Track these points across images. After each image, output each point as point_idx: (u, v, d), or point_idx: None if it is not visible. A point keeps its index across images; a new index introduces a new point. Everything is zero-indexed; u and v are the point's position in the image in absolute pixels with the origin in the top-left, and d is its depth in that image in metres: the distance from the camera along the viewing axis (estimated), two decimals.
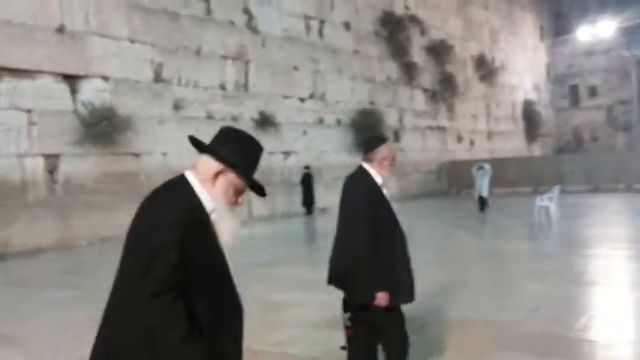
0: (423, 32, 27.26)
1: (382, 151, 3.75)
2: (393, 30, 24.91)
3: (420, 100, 27.12)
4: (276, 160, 19.14)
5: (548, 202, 15.11)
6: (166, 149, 15.82)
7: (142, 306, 1.93)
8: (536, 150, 38.91)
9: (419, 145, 26.71)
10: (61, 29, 13.68)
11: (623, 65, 39.98)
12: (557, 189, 16.19)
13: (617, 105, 41.21)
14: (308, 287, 7.35)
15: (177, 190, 2.09)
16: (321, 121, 21.07)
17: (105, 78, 14.59)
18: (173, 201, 2.04)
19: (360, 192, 3.67)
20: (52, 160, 13.49)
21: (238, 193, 2.18)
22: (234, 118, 17.81)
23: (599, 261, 9.10)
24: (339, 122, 21.77)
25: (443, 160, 28.06)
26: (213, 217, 2.09)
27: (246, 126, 18.11)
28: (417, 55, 26.76)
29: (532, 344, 4.98)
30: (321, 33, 21.56)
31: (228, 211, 2.14)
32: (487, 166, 18.15)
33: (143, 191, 10.37)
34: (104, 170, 14.42)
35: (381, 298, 3.49)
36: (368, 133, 22.58)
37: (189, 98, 16.55)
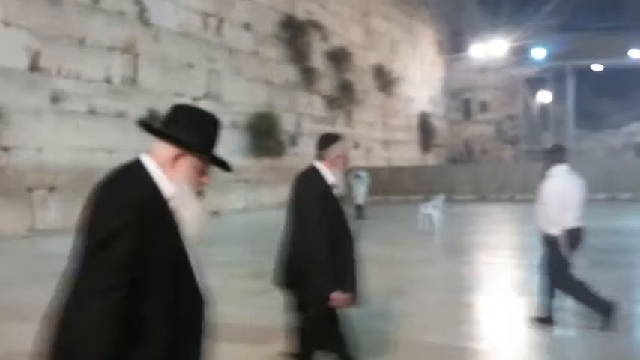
0: (324, 38, 27.23)
1: (336, 149, 3.66)
2: (294, 34, 24.70)
3: (318, 106, 27.06)
4: None
5: (432, 209, 15.33)
6: (42, 144, 14.62)
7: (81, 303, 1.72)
8: (431, 160, 40.06)
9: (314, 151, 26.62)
10: None
11: (512, 83, 42.10)
12: (441, 197, 16.48)
13: (505, 120, 43.35)
14: None
15: (132, 175, 1.91)
16: None
17: None
18: (127, 186, 1.87)
19: (312, 193, 3.57)
20: None
21: (202, 173, 2.03)
22: (120, 114, 16.83)
23: (476, 268, 9.18)
24: (234, 124, 21.19)
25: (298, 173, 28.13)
26: (173, 204, 1.90)
27: (132, 123, 17.20)
28: (317, 60, 26.69)
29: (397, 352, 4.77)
30: (219, 31, 20.95)
31: (191, 196, 1.98)
32: (364, 175, 18.00)
33: (10, 188, 9.41)
34: None
35: (338, 299, 3.45)
36: (264, 136, 22.27)
37: (70, 90, 15.40)
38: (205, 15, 20.26)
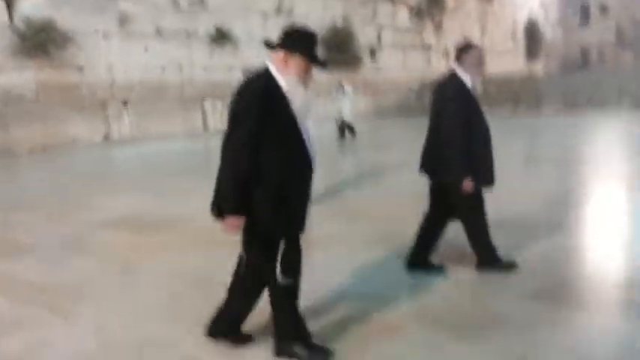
0: None
1: (472, 55, 4.15)
2: None
3: (402, 17, 26.44)
4: (235, 74, 19.08)
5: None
6: (112, 63, 16.03)
7: (229, 147, 2.81)
8: (539, 69, 37.84)
9: (399, 63, 26.30)
10: None
11: None
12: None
13: (628, 23, 39.49)
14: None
15: (260, 74, 2.88)
16: None
17: None
18: (258, 83, 2.85)
19: (450, 92, 4.11)
20: None
21: (306, 69, 2.87)
22: (188, 34, 17.82)
23: None
24: None
25: (426, 79, 27.64)
26: (286, 90, 2.85)
27: (200, 41, 18.18)
28: None
29: None
30: None
31: (299, 84, 2.87)
32: (348, 88, 15.88)
33: (86, 103, 10.98)
34: (44, 82, 14.75)
35: (467, 184, 4.04)
36: (338, 50, 22.38)
37: (137, 13, 16.54)
38: None
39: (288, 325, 3.09)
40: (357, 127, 15.84)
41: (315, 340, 3.13)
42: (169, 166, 11.74)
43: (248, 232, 2.94)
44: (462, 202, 4.16)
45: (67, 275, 4.69)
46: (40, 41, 14.33)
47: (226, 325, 3.24)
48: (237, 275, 3.18)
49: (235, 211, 2.81)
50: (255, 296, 3.17)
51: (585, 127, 16.86)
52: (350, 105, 15.42)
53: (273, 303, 3.06)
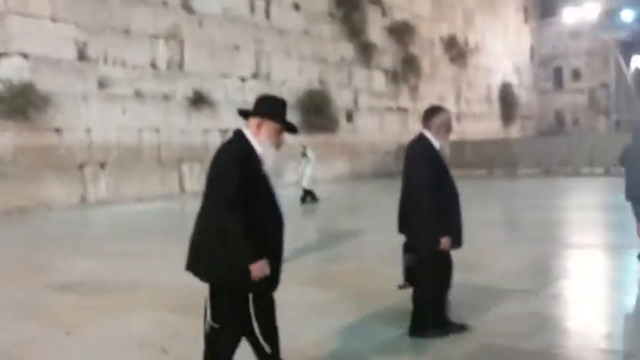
0: (384, 13, 27.27)
1: (440, 118, 4.34)
2: (349, 11, 24.98)
3: (379, 81, 27.27)
4: (213, 137, 19.46)
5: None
6: (90, 125, 16.35)
7: (216, 208, 3.02)
8: (515, 132, 38.81)
9: (375, 126, 26.94)
10: None
11: (605, 48, 39.56)
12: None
13: (599, 88, 40.87)
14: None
15: (237, 140, 3.17)
16: None
17: (24, 56, 15.10)
18: (235, 146, 3.13)
19: (421, 154, 4.29)
20: None
21: (277, 134, 3.19)
22: (166, 97, 18.27)
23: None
24: None
25: (403, 142, 28.22)
26: (260, 154, 3.12)
27: (178, 105, 18.63)
28: (377, 35, 26.83)
29: None
30: (267, 13, 21.79)
31: (271, 148, 3.16)
32: (310, 153, 15.45)
33: (63, 165, 11.28)
34: (22, 144, 14.99)
35: (445, 243, 4.20)
36: (316, 114, 22.94)
37: (117, 77, 17.01)
38: None
39: None
40: (332, 189, 16.11)
41: None
42: (140, 229, 11.84)
43: (217, 294, 3.14)
44: (426, 265, 4.29)
45: (8, 337, 4.78)
46: (20, 104, 14.66)
47: None
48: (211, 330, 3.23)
49: (257, 258, 2.99)
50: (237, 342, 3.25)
51: (557, 192, 17.19)
52: (311, 171, 15.23)
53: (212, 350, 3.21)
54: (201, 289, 5.76)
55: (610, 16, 36.63)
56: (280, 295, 3.39)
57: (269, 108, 3.20)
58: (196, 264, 3.15)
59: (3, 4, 14.68)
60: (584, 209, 12.57)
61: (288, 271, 3.28)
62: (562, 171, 24.12)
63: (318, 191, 15.65)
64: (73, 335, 4.81)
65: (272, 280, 3.15)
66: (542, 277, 6.23)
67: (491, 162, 26.32)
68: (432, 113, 4.36)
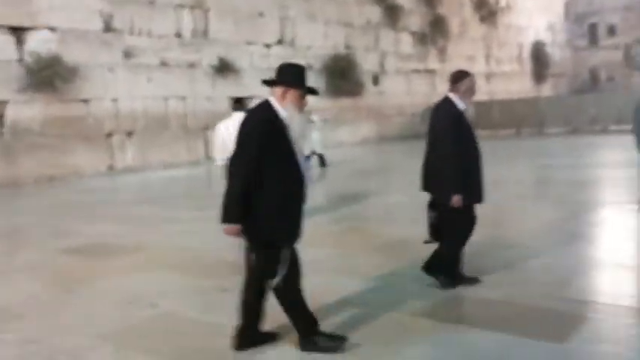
0: None
1: (465, 83, 4.48)
2: None
3: (406, 44, 26.21)
4: None
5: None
6: (117, 95, 16.18)
7: (236, 169, 3.31)
8: (547, 91, 37.10)
9: (403, 89, 26.02)
10: None
11: None
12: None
13: (636, 44, 38.51)
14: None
15: (262, 106, 3.38)
16: None
17: (52, 29, 14.91)
18: (258, 112, 3.37)
19: (447, 119, 4.41)
20: None
21: (300, 99, 3.38)
22: (191, 65, 17.91)
23: None
24: (310, 67, 21.36)
25: (431, 103, 27.28)
26: (286, 119, 3.31)
27: (203, 73, 18.26)
28: None
29: None
30: None
31: (296, 112, 3.35)
32: (315, 118, 14.51)
33: (91, 134, 11.28)
34: (51, 115, 14.93)
35: (457, 200, 4.31)
36: (341, 77, 22.25)
37: (142, 46, 16.69)
38: None
39: (304, 321, 3.44)
40: (356, 152, 15.68)
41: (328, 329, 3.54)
42: (162, 195, 11.74)
43: (252, 239, 3.35)
44: (451, 220, 4.44)
45: (12, 295, 5.05)
46: (48, 76, 14.54)
47: (251, 335, 3.53)
48: (249, 281, 3.51)
49: (236, 221, 3.24)
50: (263, 297, 3.50)
51: (580, 150, 16.38)
52: (319, 136, 14.56)
53: (282, 303, 3.43)
54: (200, 250, 6.52)
55: None
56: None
57: (291, 76, 3.38)
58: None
59: None
60: (603, 166, 12.30)
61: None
62: (590, 129, 22.90)
63: (342, 154, 15.21)
64: (72, 293, 5.04)
65: (296, 233, 3.39)
66: (563, 236, 6.18)
67: (519, 121, 25.15)
68: (458, 78, 4.49)
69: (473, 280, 4.59)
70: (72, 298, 4.89)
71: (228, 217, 3.26)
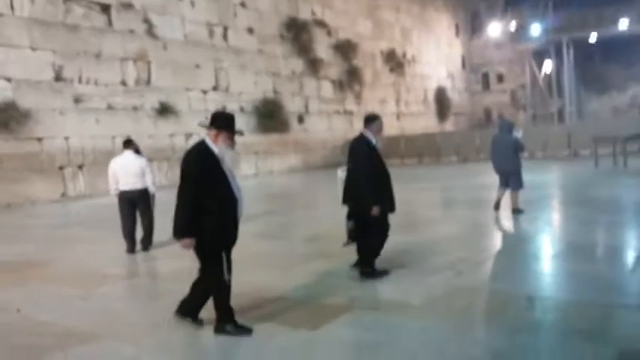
0: (329, 34, 27.22)
1: (376, 124, 5.22)
2: (298, 32, 24.90)
3: (327, 90, 27.25)
4: (178, 140, 19.47)
5: (342, 173, 15.38)
6: (68, 134, 16.36)
7: (180, 192, 3.70)
8: (449, 126, 38.90)
9: (324, 126, 26.97)
10: None
11: (522, 56, 39.74)
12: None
13: (519, 89, 41.08)
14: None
15: (199, 145, 3.81)
16: (224, 108, 21.24)
17: (7, 79, 15.07)
18: (195, 150, 3.78)
19: (362, 148, 5.13)
20: None
21: (230, 139, 3.84)
22: (135, 108, 18.26)
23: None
24: (242, 109, 22.05)
25: (349, 138, 28.25)
26: (218, 155, 3.76)
27: (146, 114, 18.63)
28: (323, 52, 26.77)
29: None
30: (225, 37, 21.75)
31: (227, 149, 3.81)
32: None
33: (45, 167, 11.29)
34: (8, 152, 14.97)
35: (375, 211, 4.96)
36: (269, 117, 22.95)
37: (90, 93, 16.97)
38: (210, 25, 21.09)
39: (223, 312, 3.83)
40: (281, 179, 16.02)
41: (240, 321, 3.90)
42: (99, 218, 11.72)
43: (200, 249, 3.76)
44: (374, 221, 5.04)
45: None
46: (4, 119, 14.65)
47: (191, 310, 3.99)
48: (199, 278, 3.93)
49: (187, 235, 3.66)
50: (207, 294, 3.93)
51: (451, 175, 17.45)
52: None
53: (215, 296, 3.85)
54: (88, 265, 6.71)
55: (522, 29, 36.73)
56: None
57: (222, 122, 3.84)
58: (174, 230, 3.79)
59: None
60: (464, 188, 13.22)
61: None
62: (476, 158, 24.33)
63: (265, 181, 15.67)
64: None
65: (233, 239, 3.85)
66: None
67: (420, 152, 26.51)
68: (371, 120, 5.23)
69: (384, 273, 5.15)
70: None
71: (181, 232, 3.66)
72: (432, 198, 12.09)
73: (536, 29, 35.42)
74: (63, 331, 4.20)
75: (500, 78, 42.15)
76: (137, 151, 7.45)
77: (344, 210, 5.26)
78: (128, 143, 7.31)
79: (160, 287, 5.72)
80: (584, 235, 6.79)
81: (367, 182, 4.93)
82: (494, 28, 40.24)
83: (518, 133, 8.58)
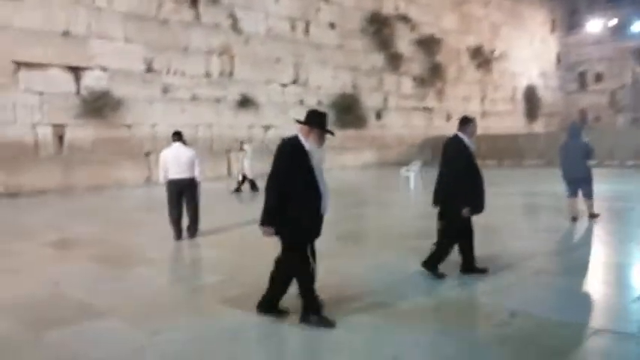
0: (412, 28, 26.60)
1: (470, 126, 5.12)
2: (380, 27, 24.56)
3: (407, 86, 26.71)
4: (257, 132, 20.02)
5: (406, 172, 15.04)
6: (155, 122, 17.31)
7: (269, 182, 3.81)
8: (538, 128, 36.76)
9: (402, 123, 26.47)
10: (67, 33, 15.36)
11: (623, 55, 36.56)
12: (418, 162, 15.88)
13: (619, 89, 37.88)
14: None
15: (292, 139, 3.86)
16: (302, 102, 21.49)
17: (104, 69, 16.20)
18: (288, 142, 3.84)
19: (457, 149, 5.07)
20: (58, 129, 15.38)
21: (320, 137, 3.86)
22: (218, 100, 18.94)
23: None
24: (319, 103, 22.09)
25: (428, 136, 27.59)
26: (309, 150, 3.80)
27: (227, 105, 19.27)
28: (405, 47, 26.24)
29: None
30: (306, 31, 21.92)
31: (316, 147, 3.84)
32: (247, 147, 14.43)
33: (133, 152, 12.61)
34: (100, 136, 16.13)
35: (465, 212, 4.97)
36: (346, 112, 22.89)
37: (177, 84, 17.83)
38: (293, 20, 21.34)
39: (309, 300, 3.86)
40: (353, 174, 15.84)
41: (326, 313, 3.91)
42: (165, 204, 12.17)
43: (284, 238, 3.85)
44: (452, 225, 5.02)
45: None
46: (99, 106, 15.78)
47: (271, 306, 4.06)
48: (277, 269, 4.00)
49: (269, 224, 3.75)
50: (288, 283, 4.00)
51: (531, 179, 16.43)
52: (249, 163, 14.04)
53: (300, 283, 3.87)
54: (136, 250, 6.87)
55: (624, 27, 33.74)
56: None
57: (316, 120, 3.85)
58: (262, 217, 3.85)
59: (87, 30, 15.80)
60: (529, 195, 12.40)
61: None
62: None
63: (340, 176, 15.60)
64: (20, 274, 5.55)
65: (316, 232, 3.88)
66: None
67: (501, 154, 25.23)
68: (465, 122, 5.12)
69: (483, 270, 5.14)
70: (14, 278, 5.40)
71: (265, 220, 3.75)
72: (511, 204, 11.39)
73: (638, 27, 32.35)
74: (81, 306, 4.40)
75: (598, 77, 39.08)
76: (184, 143, 7.66)
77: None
78: (177, 135, 7.52)
79: (191, 273, 5.83)
80: None
81: (457, 183, 4.91)
82: (594, 25, 37.36)
83: (586, 139, 7.98)
